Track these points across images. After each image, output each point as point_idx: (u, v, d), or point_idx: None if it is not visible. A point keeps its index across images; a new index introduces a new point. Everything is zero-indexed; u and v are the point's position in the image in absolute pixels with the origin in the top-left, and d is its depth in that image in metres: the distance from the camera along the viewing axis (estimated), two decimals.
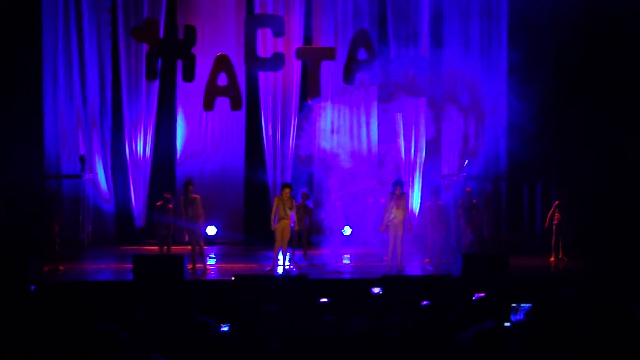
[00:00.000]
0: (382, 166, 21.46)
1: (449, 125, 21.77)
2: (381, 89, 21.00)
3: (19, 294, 13.75)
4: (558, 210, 19.06)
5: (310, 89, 20.52)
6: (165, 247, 18.33)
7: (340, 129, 21.92)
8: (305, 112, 21.58)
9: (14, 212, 18.85)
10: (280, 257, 17.33)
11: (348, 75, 20.23)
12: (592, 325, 3.60)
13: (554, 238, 19.04)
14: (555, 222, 19.02)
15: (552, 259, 18.94)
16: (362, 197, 19.87)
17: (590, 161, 19.93)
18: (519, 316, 8.38)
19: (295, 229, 17.98)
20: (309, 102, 20.79)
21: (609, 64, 19.86)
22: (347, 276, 16.93)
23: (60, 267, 16.99)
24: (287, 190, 17.29)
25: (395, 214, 17.19)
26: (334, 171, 20.56)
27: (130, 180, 21.60)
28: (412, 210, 21.42)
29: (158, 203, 18.53)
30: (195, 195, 17.37)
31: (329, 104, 21.72)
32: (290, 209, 17.26)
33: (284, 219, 17.13)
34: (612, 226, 19.06)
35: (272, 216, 17.22)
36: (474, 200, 19.59)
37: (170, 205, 18.29)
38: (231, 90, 20.05)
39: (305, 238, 19.22)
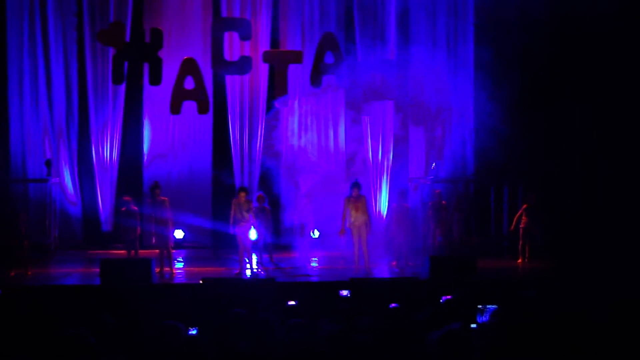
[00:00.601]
0: (350, 168, 21.55)
1: (417, 127, 21.83)
2: (348, 91, 21.02)
3: None
4: (525, 214, 19.14)
5: (277, 87, 20.52)
6: (133, 251, 18.23)
7: (307, 132, 21.96)
8: (272, 114, 21.60)
9: None
10: (247, 260, 17.33)
11: (315, 78, 20.27)
12: (556, 327, 3.66)
13: (520, 242, 19.13)
14: (522, 225, 19.10)
15: (519, 261, 19.04)
16: (330, 199, 19.87)
17: (556, 163, 20.03)
18: (485, 318, 8.46)
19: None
20: (276, 104, 20.82)
21: (577, 64, 19.93)
22: (315, 279, 16.97)
23: (29, 272, 16.92)
24: (242, 194, 17.34)
25: (355, 217, 17.18)
26: (302, 173, 20.63)
27: (97, 184, 21.49)
28: (379, 211, 21.48)
29: (122, 209, 18.41)
30: (163, 198, 17.35)
31: (296, 107, 21.76)
32: (248, 211, 17.25)
33: (242, 222, 17.13)
34: (577, 229, 19.18)
35: (231, 220, 17.23)
36: (444, 202, 19.65)
37: (134, 207, 18.19)
38: (198, 94, 20.03)
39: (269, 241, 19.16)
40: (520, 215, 19.17)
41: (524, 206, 19.27)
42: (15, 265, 16.90)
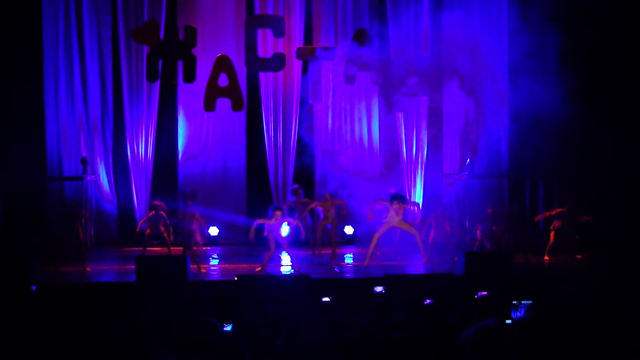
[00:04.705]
0: (385, 164, 21.63)
1: (451, 122, 21.77)
2: (382, 87, 20.95)
3: (21, 296, 13.82)
4: (560, 215, 18.98)
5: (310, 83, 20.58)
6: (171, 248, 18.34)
7: (341, 128, 22.02)
8: (306, 111, 21.66)
9: (16, 214, 18.86)
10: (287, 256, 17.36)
11: (348, 75, 20.23)
12: (591, 322, 3.63)
13: (551, 240, 19.01)
14: (556, 226, 18.97)
15: (545, 258, 18.91)
16: (365, 195, 19.84)
17: (593, 158, 19.81)
18: (520, 313, 8.43)
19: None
20: (310, 100, 20.83)
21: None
22: (350, 275, 16.95)
23: (87, 268, 17.25)
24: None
25: (392, 218, 17.23)
26: (337, 170, 20.69)
27: (133, 182, 21.66)
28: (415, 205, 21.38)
29: (151, 212, 18.60)
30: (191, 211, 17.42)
31: (329, 103, 21.80)
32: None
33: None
34: (615, 224, 18.98)
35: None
36: (489, 210, 19.51)
37: (162, 213, 18.31)
38: (232, 91, 20.07)
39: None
40: (554, 215, 19.06)
41: (557, 210, 19.12)
42: (75, 263, 17.35)
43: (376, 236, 17.50)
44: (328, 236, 18.98)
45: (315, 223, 19.59)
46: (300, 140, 21.86)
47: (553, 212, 19.10)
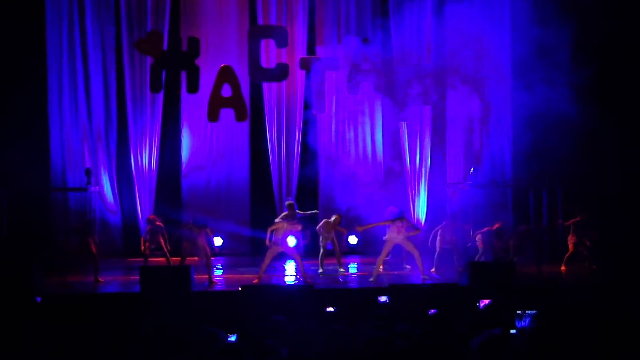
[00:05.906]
0: (388, 173, 21.64)
1: (454, 131, 21.75)
2: (385, 96, 20.93)
3: (25, 305, 13.85)
4: (574, 229, 18.86)
5: (314, 93, 20.56)
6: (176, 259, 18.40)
7: (345, 138, 22.04)
8: (309, 120, 21.68)
9: (20, 224, 18.87)
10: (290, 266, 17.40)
11: (351, 84, 20.21)
12: (595, 331, 3.63)
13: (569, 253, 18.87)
14: (572, 240, 18.85)
15: (562, 268, 18.82)
16: (368, 205, 19.84)
17: (596, 166, 19.74)
18: (525, 323, 8.41)
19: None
20: (313, 110, 20.79)
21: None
22: (354, 285, 16.94)
23: (100, 280, 17.29)
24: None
25: (393, 236, 17.17)
26: (340, 180, 20.72)
27: (137, 192, 21.65)
28: (417, 219, 21.41)
29: (148, 227, 18.60)
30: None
31: (333, 113, 21.81)
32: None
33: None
34: (617, 232, 18.93)
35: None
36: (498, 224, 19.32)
37: (159, 224, 18.32)
38: (235, 101, 20.04)
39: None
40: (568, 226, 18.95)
41: (572, 220, 18.99)
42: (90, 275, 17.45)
43: (381, 257, 17.41)
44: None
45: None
46: (303, 150, 21.90)
47: (569, 222, 18.95)
